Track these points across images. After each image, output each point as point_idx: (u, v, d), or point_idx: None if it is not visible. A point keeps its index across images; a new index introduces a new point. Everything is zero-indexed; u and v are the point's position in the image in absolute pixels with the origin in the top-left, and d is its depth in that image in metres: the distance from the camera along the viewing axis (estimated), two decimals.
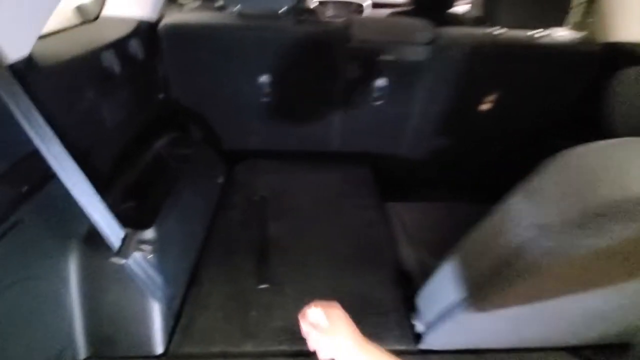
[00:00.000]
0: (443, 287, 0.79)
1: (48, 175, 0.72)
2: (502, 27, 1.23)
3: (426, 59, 1.26)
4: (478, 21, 1.32)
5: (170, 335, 0.91)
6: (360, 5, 2.77)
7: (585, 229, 0.44)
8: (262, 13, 1.23)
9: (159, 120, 1.28)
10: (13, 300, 0.66)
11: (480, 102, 1.38)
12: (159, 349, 0.88)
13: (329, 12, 2.79)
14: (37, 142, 0.63)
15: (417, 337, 0.91)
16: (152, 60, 1.20)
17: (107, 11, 1.16)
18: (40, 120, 0.63)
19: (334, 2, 2.86)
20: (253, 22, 1.22)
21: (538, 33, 1.26)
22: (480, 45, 1.24)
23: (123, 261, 0.73)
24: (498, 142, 1.49)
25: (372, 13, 2.72)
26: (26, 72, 0.66)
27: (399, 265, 1.12)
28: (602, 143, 0.49)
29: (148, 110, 1.22)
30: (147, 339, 0.87)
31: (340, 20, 1.29)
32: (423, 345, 0.89)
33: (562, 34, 1.32)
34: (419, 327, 0.91)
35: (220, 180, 1.41)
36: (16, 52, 0.65)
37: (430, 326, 0.85)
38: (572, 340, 0.89)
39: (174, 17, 1.21)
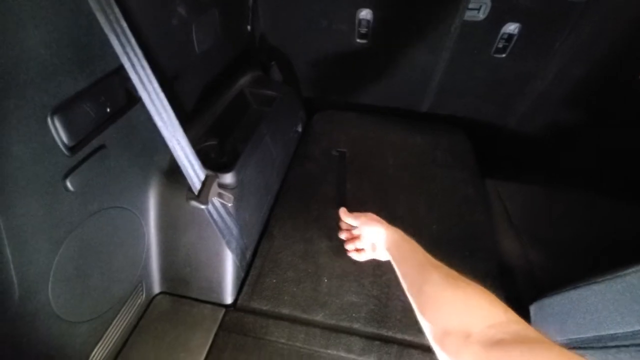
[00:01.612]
0: (582, 309, 0.60)
1: (132, 98, 0.64)
2: None
3: (578, 1, 0.94)
4: None
5: (240, 287, 0.86)
6: None
7: None
8: None
9: (243, 55, 1.17)
10: (97, 228, 0.63)
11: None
12: (229, 299, 0.83)
13: None
14: (124, 59, 0.54)
15: None
16: None
17: None
18: (128, 34, 0.53)
19: None
20: None
21: None
22: None
23: (203, 207, 0.65)
24: None
25: None
26: None
27: (499, 257, 0.93)
28: None
29: (234, 43, 1.10)
30: (218, 287, 0.83)
31: None
32: None
33: None
34: None
35: (299, 128, 1.29)
36: None
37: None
38: None
39: None
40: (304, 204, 1.05)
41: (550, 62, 1.09)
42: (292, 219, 1.01)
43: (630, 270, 0.57)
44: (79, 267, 0.61)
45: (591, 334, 0.61)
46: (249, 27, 1.17)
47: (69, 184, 0.54)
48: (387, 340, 0.78)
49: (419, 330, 0.51)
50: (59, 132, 0.51)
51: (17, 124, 0.45)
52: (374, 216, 0.69)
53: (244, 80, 1.14)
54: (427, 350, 0.75)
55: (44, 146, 0.49)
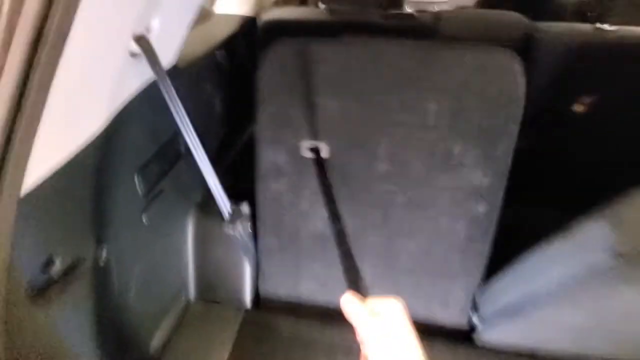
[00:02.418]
0: (508, 285, 0.83)
1: (179, 154, 0.91)
2: (615, 23, 1.13)
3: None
4: (584, 15, 1.21)
5: (256, 294, 1.10)
6: None
7: None
8: (351, 9, 1.29)
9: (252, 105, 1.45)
10: (154, 254, 0.88)
11: (580, 105, 1.28)
12: (248, 304, 1.07)
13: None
14: (180, 127, 0.78)
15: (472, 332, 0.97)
16: (253, 52, 1.35)
17: (217, 9, 1.32)
18: (181, 110, 0.79)
19: None
20: (343, 17, 1.29)
21: None
22: (586, 43, 1.15)
23: (232, 232, 0.90)
24: (590, 151, 1.36)
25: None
26: (173, 72, 0.83)
27: None
28: None
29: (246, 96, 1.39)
30: (240, 293, 1.06)
31: (428, 13, 1.29)
32: (478, 341, 0.95)
33: None
34: (476, 322, 0.96)
35: None
36: (170, 58, 0.81)
37: (488, 322, 0.90)
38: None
39: (270, 14, 1.33)
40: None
41: None
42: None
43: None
44: (146, 277, 0.85)
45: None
46: None
47: (143, 219, 0.79)
48: None
49: None
50: (140, 184, 0.76)
51: (118, 180, 0.71)
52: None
53: (252, 127, 1.41)
54: None
55: (132, 193, 0.75)
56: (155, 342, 0.93)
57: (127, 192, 0.74)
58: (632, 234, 0.51)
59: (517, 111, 0.79)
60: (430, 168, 0.86)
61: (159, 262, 0.91)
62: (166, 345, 0.98)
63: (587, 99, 1.29)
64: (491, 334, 0.93)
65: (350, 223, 0.81)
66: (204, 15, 1.31)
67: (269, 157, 0.94)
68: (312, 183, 0.90)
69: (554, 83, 1.20)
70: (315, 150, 0.88)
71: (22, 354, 0.46)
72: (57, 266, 0.51)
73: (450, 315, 1.01)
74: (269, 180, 0.97)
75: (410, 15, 1.28)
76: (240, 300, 1.07)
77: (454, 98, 0.80)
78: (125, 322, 0.79)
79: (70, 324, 0.57)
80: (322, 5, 1.32)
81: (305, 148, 0.88)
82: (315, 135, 0.87)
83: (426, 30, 1.25)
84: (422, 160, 0.86)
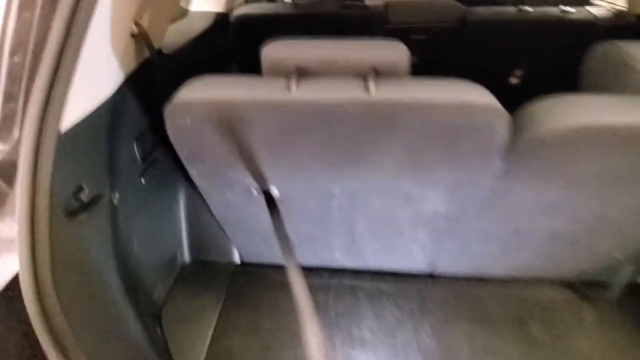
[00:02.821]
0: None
1: None
2: (531, 4, 1.36)
3: (456, 37, 1.43)
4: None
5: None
6: None
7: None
8: (312, 1, 1.47)
9: None
10: (151, 214, 1.02)
11: (509, 77, 1.51)
12: (238, 260, 1.22)
13: None
14: None
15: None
16: (227, 46, 1.51)
17: (193, 7, 1.48)
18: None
19: None
20: (306, 9, 1.47)
21: (566, 8, 1.36)
22: (510, 22, 1.38)
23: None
24: None
25: None
26: (160, 56, 0.98)
27: None
28: None
29: None
30: (230, 252, 1.21)
31: (379, 3, 1.49)
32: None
33: (595, 8, 1.40)
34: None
35: None
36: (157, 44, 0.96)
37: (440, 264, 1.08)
38: (564, 273, 1.08)
39: (243, 9, 1.50)
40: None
41: None
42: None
43: None
44: (147, 233, 0.99)
45: None
46: None
47: (142, 181, 0.94)
48: None
49: None
50: (138, 150, 0.91)
51: (123, 142, 0.85)
52: None
53: None
54: None
55: (133, 157, 0.89)
56: (156, 295, 1.07)
57: (130, 154, 0.88)
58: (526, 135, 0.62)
59: (493, 165, 0.66)
60: (389, 205, 0.83)
61: (156, 222, 1.05)
62: (167, 297, 1.12)
63: (519, 72, 1.52)
64: (444, 270, 1.13)
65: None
66: (182, 13, 1.47)
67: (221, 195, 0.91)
68: None
69: (487, 56, 1.42)
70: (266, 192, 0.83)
71: (60, 263, 0.60)
72: (85, 194, 0.65)
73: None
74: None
75: (364, 6, 1.47)
76: (230, 257, 1.22)
77: (418, 156, 0.68)
78: (132, 269, 0.93)
79: (94, 245, 0.72)
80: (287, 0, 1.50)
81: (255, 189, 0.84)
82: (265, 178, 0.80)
83: (378, 19, 1.45)
84: (380, 200, 0.82)
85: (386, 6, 1.44)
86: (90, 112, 0.66)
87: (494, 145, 0.61)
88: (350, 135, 0.65)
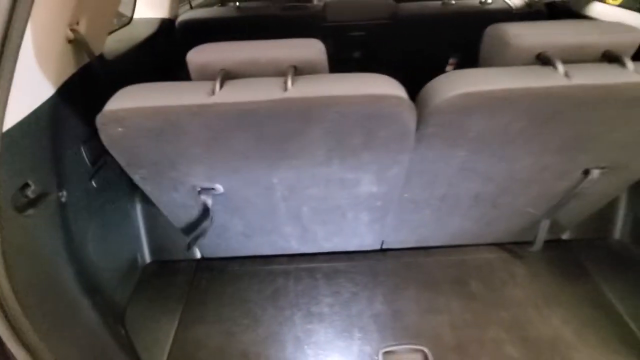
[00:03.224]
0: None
1: None
2: None
3: (390, 31, 1.55)
4: None
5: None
6: None
7: None
8: (254, 4, 1.54)
9: None
10: (107, 217, 1.04)
11: (439, 64, 1.64)
12: (198, 255, 1.26)
13: None
14: None
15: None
16: (173, 51, 1.54)
17: (137, 14, 1.50)
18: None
19: None
20: (248, 12, 1.53)
21: (484, 0, 1.51)
22: (435, 15, 1.51)
23: None
24: None
25: None
26: (101, 60, 1.01)
27: None
28: None
29: None
30: (190, 249, 1.25)
31: (318, 4, 1.58)
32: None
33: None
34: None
35: None
36: (97, 49, 0.99)
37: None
38: (497, 236, 1.21)
39: (187, 14, 1.54)
40: None
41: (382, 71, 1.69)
42: None
43: None
44: (102, 236, 1.01)
45: None
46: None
47: (93, 183, 0.96)
48: None
49: None
50: (86, 153, 0.93)
51: (68, 145, 0.87)
52: None
53: None
54: None
55: (81, 160, 0.92)
56: (119, 296, 1.09)
57: (78, 157, 0.90)
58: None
59: (407, 146, 0.75)
60: (327, 192, 0.90)
61: (113, 225, 1.07)
62: (130, 297, 1.13)
63: (453, 60, 1.66)
64: (392, 245, 1.23)
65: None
66: (126, 20, 1.49)
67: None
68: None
69: (417, 46, 1.55)
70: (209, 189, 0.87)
71: (11, 254, 0.62)
72: (31, 190, 0.68)
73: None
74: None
75: (304, 6, 1.56)
76: (191, 254, 1.25)
77: (342, 144, 0.75)
78: (89, 269, 0.95)
79: (45, 241, 0.74)
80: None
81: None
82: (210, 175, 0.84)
83: (318, 18, 1.54)
84: (317, 188, 0.88)
85: (324, 7, 1.54)
86: (30, 113, 0.69)
87: (404, 129, 0.70)
88: (277, 131, 0.70)
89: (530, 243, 1.17)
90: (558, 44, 0.71)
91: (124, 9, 1.55)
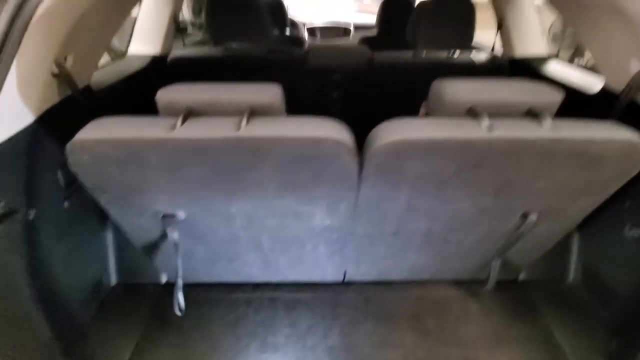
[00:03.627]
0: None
1: None
2: (425, 49, 1.64)
3: (366, 76, 1.68)
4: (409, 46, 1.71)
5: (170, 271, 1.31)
6: (348, 29, 3.23)
7: None
8: (243, 46, 1.67)
9: None
10: (76, 237, 1.08)
11: (411, 107, 1.76)
12: (163, 280, 1.28)
13: (319, 35, 3.28)
14: None
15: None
16: (162, 85, 1.65)
17: (132, 50, 1.63)
18: None
19: (322, 28, 3.35)
20: (236, 53, 1.66)
21: (452, 53, 1.65)
22: (407, 64, 1.65)
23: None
24: None
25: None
26: (87, 91, 1.09)
27: None
28: None
29: None
30: (155, 273, 1.27)
31: (301, 49, 1.72)
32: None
33: (477, 53, 1.71)
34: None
35: None
36: (84, 81, 1.08)
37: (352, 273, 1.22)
38: (454, 272, 1.25)
39: (178, 52, 1.66)
40: None
41: (358, 111, 1.80)
42: None
43: None
44: (70, 256, 1.05)
45: None
46: None
47: (65, 204, 1.01)
48: None
49: None
50: (62, 176, 0.99)
51: (45, 169, 0.93)
52: None
53: None
54: None
55: (56, 182, 0.97)
56: (81, 317, 1.10)
57: (53, 179, 0.96)
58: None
59: (352, 184, 0.82)
60: (284, 223, 0.95)
61: (82, 245, 1.11)
62: (92, 319, 1.15)
63: (425, 106, 1.78)
64: (354, 277, 1.26)
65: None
66: (120, 55, 1.61)
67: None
68: None
69: (390, 92, 1.67)
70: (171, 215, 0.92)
71: None
72: (0, 206, 0.73)
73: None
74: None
75: (287, 50, 1.69)
76: (156, 279, 1.28)
77: (292, 179, 0.81)
78: (52, 287, 0.98)
79: (10, 256, 0.78)
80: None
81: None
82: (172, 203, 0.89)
83: (300, 62, 1.67)
84: (274, 219, 0.94)
85: (306, 52, 1.68)
86: (9, 137, 0.76)
87: (346, 169, 0.78)
88: (231, 165, 0.77)
89: (485, 281, 1.21)
90: (487, 101, 0.81)
91: (121, 44, 1.68)
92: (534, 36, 1.69)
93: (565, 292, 1.25)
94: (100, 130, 0.75)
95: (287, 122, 0.78)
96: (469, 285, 1.27)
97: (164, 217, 0.94)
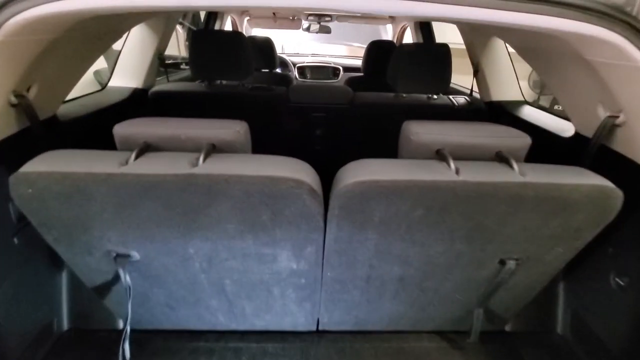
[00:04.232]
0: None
1: None
2: (404, 92, 1.66)
3: (347, 114, 1.69)
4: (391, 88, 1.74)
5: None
6: (337, 69, 3.34)
7: None
8: (225, 84, 1.69)
9: None
10: (26, 276, 0.99)
11: (392, 146, 1.76)
12: (120, 326, 1.18)
13: (309, 75, 3.37)
14: None
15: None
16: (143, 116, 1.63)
17: (112, 83, 1.63)
18: None
19: (312, 67, 3.46)
20: (219, 89, 1.67)
21: (430, 96, 1.68)
22: (387, 105, 1.66)
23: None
24: None
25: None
26: (54, 125, 1.06)
27: None
28: None
29: None
30: (111, 318, 1.17)
31: (285, 87, 1.74)
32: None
33: (455, 96, 1.75)
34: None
35: None
36: (49, 112, 1.05)
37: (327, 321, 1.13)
38: (434, 322, 1.17)
39: (160, 86, 1.67)
40: None
41: (340, 149, 1.79)
42: None
43: None
44: (16, 296, 0.95)
45: None
46: None
47: (15, 240, 0.94)
48: None
49: None
50: (13, 209, 0.93)
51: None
52: None
53: None
54: None
55: (5, 215, 0.91)
56: None
57: (3, 212, 0.90)
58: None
59: (317, 226, 0.78)
60: (246, 265, 0.89)
61: (30, 285, 1.02)
62: None
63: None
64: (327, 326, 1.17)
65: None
66: (99, 88, 1.60)
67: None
68: None
69: (370, 130, 1.68)
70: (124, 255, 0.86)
71: None
72: None
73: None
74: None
75: (270, 88, 1.71)
76: (112, 324, 1.17)
77: (251, 220, 0.76)
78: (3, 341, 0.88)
79: None
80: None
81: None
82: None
83: (282, 99, 1.68)
84: (235, 261, 0.87)
85: (288, 90, 1.69)
86: None
87: (308, 210, 0.73)
88: (185, 204, 0.71)
89: (468, 332, 1.13)
90: (456, 142, 0.79)
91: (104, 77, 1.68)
92: (509, 82, 1.74)
93: (554, 344, 1.16)
94: (47, 163, 0.71)
95: (247, 159, 0.75)
96: (452, 336, 1.19)
97: (117, 257, 0.87)
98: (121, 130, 0.78)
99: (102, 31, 1.13)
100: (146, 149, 0.75)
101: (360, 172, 0.72)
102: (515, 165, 0.73)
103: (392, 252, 0.86)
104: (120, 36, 1.33)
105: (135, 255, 0.87)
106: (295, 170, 0.72)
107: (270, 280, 0.95)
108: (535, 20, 0.69)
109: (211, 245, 0.83)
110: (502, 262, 0.90)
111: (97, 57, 1.23)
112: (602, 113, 0.95)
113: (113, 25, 1.18)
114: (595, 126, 0.99)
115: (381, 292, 1.01)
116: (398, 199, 0.72)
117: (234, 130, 0.78)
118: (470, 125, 0.86)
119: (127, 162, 0.70)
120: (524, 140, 0.79)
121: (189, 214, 0.75)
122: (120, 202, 0.73)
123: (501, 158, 0.77)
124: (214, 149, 0.76)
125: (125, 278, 0.90)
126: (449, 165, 0.73)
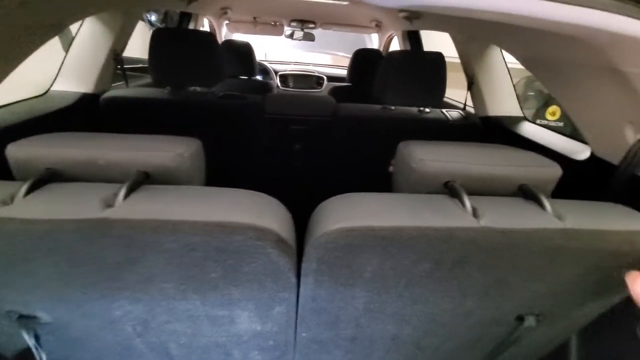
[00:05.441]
0: None
1: None
2: (393, 105, 1.50)
3: (330, 127, 1.50)
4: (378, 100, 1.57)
5: None
6: (322, 78, 3.17)
7: None
8: (192, 90, 1.48)
9: None
10: None
11: (380, 163, 1.58)
12: None
13: (291, 84, 3.18)
14: None
15: None
16: (90, 127, 1.40)
17: (56, 87, 1.39)
18: None
19: (295, 76, 3.28)
20: (185, 96, 1.45)
21: (422, 109, 1.53)
22: (374, 117, 1.49)
23: None
24: None
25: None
26: None
27: None
28: None
29: None
30: None
31: (258, 97, 1.54)
32: None
33: (449, 110, 1.60)
34: None
35: None
36: None
37: None
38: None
39: (113, 92, 1.44)
40: None
41: (323, 163, 1.60)
42: None
43: None
44: None
45: None
46: None
47: None
48: None
49: None
50: None
51: None
52: None
53: None
54: None
55: None
56: None
57: None
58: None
59: (288, 283, 0.58)
60: (195, 328, 0.69)
61: None
62: None
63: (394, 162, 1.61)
64: None
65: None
66: (38, 93, 1.36)
67: None
68: None
69: (355, 144, 1.50)
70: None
71: None
72: None
73: None
74: None
75: (242, 97, 1.51)
76: None
77: (196, 278, 0.57)
78: None
79: None
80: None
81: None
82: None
83: (256, 110, 1.48)
84: (180, 323, 0.67)
85: (263, 99, 1.50)
86: None
87: (274, 266, 0.53)
88: (98, 259, 0.51)
89: None
90: (468, 173, 0.61)
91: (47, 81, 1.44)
92: (506, 97, 1.61)
93: None
94: None
95: (190, 195, 0.54)
96: None
97: (20, 318, 0.65)
98: (17, 151, 0.56)
99: (35, 25, 0.91)
100: (48, 179, 0.53)
101: (348, 214, 0.53)
102: (547, 205, 0.56)
103: (386, 310, 0.67)
104: (58, 32, 1.10)
105: (45, 316, 0.64)
106: (257, 213, 0.52)
107: (228, 343, 0.74)
108: (557, 10, 0.53)
109: (144, 307, 0.61)
110: (520, 319, 0.72)
111: (26, 56, 1.00)
112: (632, 135, 0.80)
113: (47, 17, 0.96)
114: (621, 149, 0.84)
115: (369, 353, 0.82)
116: (398, 251, 0.53)
117: (174, 153, 0.58)
118: (484, 150, 0.69)
119: (12, 200, 0.48)
120: (553, 171, 0.63)
121: (106, 271, 0.53)
122: (6, 255, 0.51)
123: (526, 194, 0.60)
124: (145, 180, 0.55)
125: (35, 343, 0.67)
126: (462, 203, 0.55)
